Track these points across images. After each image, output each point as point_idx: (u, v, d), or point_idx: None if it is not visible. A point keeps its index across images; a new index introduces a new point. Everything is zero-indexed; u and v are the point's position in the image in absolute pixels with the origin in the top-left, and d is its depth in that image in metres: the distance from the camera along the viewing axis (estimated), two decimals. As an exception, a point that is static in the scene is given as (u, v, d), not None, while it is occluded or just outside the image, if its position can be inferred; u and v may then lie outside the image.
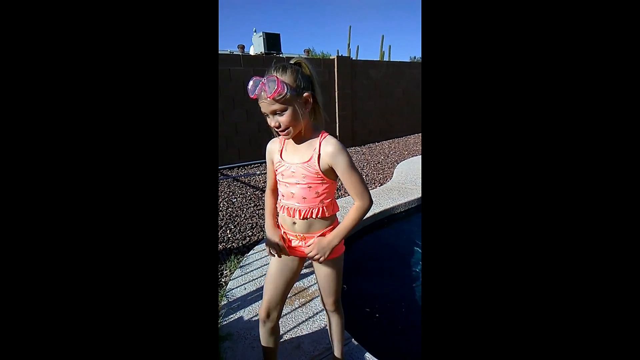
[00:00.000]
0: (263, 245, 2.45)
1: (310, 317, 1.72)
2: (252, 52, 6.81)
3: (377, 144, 6.83)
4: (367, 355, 1.48)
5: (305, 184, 1.04)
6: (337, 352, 1.35)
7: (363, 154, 5.94)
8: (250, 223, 3.03)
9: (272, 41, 6.29)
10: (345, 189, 3.98)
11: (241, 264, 2.26)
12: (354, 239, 2.83)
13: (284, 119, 0.95)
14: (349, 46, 10.98)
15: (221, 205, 3.51)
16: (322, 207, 1.08)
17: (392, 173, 4.55)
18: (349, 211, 1.07)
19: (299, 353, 1.50)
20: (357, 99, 6.56)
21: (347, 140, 6.48)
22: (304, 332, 1.62)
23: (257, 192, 3.92)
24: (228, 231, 2.87)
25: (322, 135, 1.03)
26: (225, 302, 1.85)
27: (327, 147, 1.00)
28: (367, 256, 2.66)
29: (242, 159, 5.24)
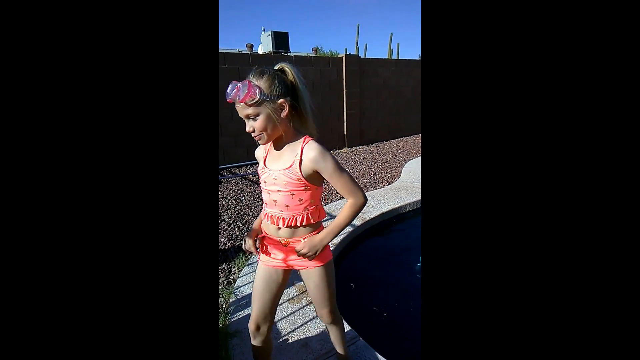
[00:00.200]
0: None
1: (317, 316, 1.72)
2: (260, 51, 6.83)
3: (385, 142, 6.80)
4: (375, 354, 1.47)
5: (287, 191, 1.02)
6: (340, 351, 1.35)
7: (371, 152, 5.91)
8: (258, 221, 3.04)
9: (281, 40, 6.29)
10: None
11: (249, 262, 2.28)
12: (362, 239, 2.82)
13: (257, 124, 0.95)
14: (357, 44, 10.95)
15: (229, 203, 3.53)
16: (307, 215, 1.05)
17: (400, 172, 4.53)
18: (342, 208, 1.05)
19: (306, 351, 1.50)
20: (365, 98, 6.53)
21: (355, 139, 6.46)
22: (311, 330, 1.62)
23: (265, 191, 3.93)
24: (236, 229, 2.88)
25: (304, 141, 1.00)
26: (233, 300, 1.87)
27: (309, 152, 0.98)
28: (375, 255, 2.65)
29: (250, 157, 5.26)
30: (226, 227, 2.93)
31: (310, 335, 1.60)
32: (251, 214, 3.23)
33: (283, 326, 1.67)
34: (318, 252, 1.06)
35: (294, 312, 1.76)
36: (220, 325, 1.68)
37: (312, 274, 1.12)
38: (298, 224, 1.05)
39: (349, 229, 2.75)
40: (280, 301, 1.84)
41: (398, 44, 14.13)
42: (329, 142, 6.15)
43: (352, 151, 6.10)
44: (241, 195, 3.79)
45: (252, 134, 0.98)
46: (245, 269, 2.19)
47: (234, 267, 2.26)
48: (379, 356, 1.46)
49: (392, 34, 17.13)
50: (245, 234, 1.14)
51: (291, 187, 1.01)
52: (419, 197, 3.38)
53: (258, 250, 1.14)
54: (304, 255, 1.06)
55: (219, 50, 6.12)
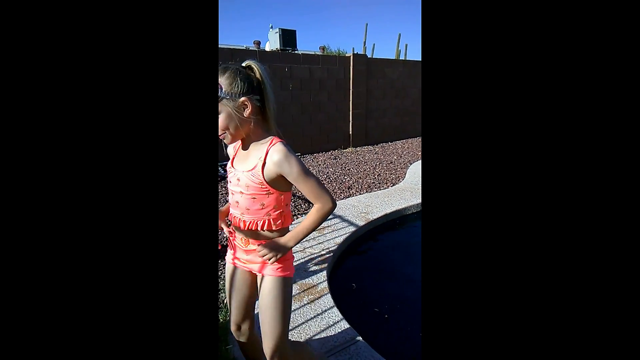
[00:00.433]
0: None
1: (318, 315, 1.72)
2: (267, 48, 6.83)
3: (390, 143, 6.78)
4: (375, 354, 1.46)
5: (249, 194, 0.96)
6: None
7: (376, 153, 5.90)
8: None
9: (288, 37, 6.29)
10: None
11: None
12: (365, 239, 2.81)
13: (219, 122, 0.90)
14: (364, 44, 10.90)
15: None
16: (268, 220, 0.99)
17: (405, 173, 4.51)
18: (309, 213, 0.99)
19: (306, 349, 1.49)
20: (372, 98, 6.52)
21: (361, 139, 6.45)
22: (312, 329, 1.62)
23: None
24: (239, 225, 2.88)
25: (270, 142, 0.94)
26: (234, 296, 1.86)
27: (273, 155, 0.92)
28: (377, 256, 2.64)
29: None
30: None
31: (311, 333, 1.59)
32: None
33: (283, 324, 1.66)
34: (279, 256, 0.98)
35: (294, 310, 1.75)
36: (221, 320, 1.68)
37: (266, 283, 1.02)
38: (259, 229, 0.99)
39: (351, 228, 2.74)
40: (281, 299, 1.84)
41: (406, 45, 14.05)
42: (334, 141, 6.15)
43: (357, 151, 6.08)
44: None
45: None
46: (247, 266, 2.18)
47: (236, 263, 2.25)
48: (379, 357, 1.45)
49: (400, 35, 17.04)
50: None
51: (253, 191, 0.96)
52: (423, 198, 3.36)
53: (230, 226, 1.09)
54: (263, 257, 0.98)
55: (227, 47, 6.13)
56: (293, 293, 1.89)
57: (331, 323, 1.65)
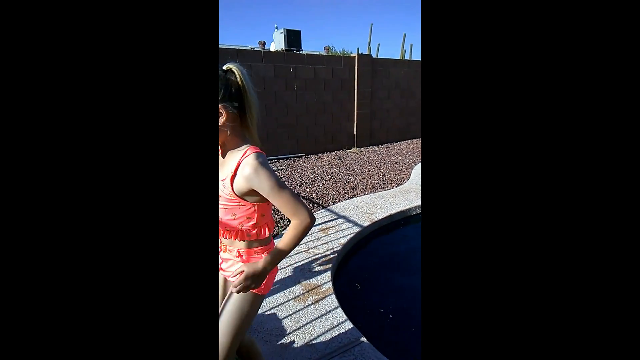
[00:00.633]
0: (278, 241, 2.46)
1: (323, 315, 1.72)
2: (272, 49, 6.85)
3: (395, 144, 6.76)
4: (379, 355, 1.46)
5: (221, 204, 0.92)
6: None
7: (380, 153, 5.88)
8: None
9: (293, 38, 6.30)
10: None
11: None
12: (369, 239, 2.81)
13: None
14: (369, 44, 10.87)
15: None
16: (241, 231, 0.94)
17: (410, 174, 4.49)
18: (286, 230, 0.93)
19: (310, 350, 1.49)
20: (377, 98, 6.50)
21: (365, 139, 6.44)
22: (316, 329, 1.62)
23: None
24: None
25: (244, 154, 0.88)
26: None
27: (244, 168, 0.86)
28: (382, 257, 2.64)
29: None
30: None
31: (315, 334, 1.59)
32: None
33: (288, 324, 1.66)
34: (253, 287, 0.91)
35: (298, 310, 1.76)
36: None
37: (235, 294, 0.96)
38: (232, 238, 0.96)
39: (356, 229, 2.74)
40: (285, 299, 1.84)
41: (411, 45, 13.97)
42: (338, 141, 6.15)
43: (362, 151, 6.07)
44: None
45: None
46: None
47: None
48: (384, 358, 1.45)
49: (405, 35, 17.00)
50: None
51: (223, 201, 0.91)
52: (428, 199, 3.35)
53: None
54: (236, 286, 0.90)
55: (232, 47, 6.15)
56: (297, 293, 1.90)
57: (335, 324, 1.65)
